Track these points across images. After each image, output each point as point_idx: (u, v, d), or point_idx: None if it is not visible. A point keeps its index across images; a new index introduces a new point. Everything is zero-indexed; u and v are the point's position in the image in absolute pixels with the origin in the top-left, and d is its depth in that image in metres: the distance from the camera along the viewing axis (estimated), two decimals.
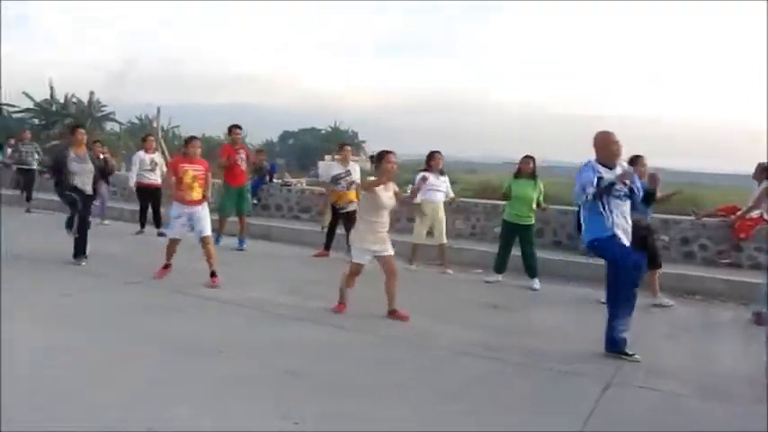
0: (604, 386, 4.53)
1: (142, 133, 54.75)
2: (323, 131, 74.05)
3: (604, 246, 5.27)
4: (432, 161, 8.77)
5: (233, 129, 10.05)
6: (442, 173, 8.93)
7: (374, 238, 6.06)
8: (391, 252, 6.19)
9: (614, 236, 5.18)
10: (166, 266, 7.47)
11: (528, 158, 8.30)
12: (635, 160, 6.74)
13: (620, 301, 5.18)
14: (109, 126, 49.31)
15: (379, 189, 6.03)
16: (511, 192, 8.21)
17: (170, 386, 4.13)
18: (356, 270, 6.13)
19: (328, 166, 9.55)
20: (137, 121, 57.54)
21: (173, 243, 7.47)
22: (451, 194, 9.24)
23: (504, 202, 8.57)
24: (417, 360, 4.96)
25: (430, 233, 8.94)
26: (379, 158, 6.14)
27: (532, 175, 8.26)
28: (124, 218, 12.86)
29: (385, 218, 6.15)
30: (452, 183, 9.79)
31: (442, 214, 8.93)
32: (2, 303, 5.68)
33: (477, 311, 6.75)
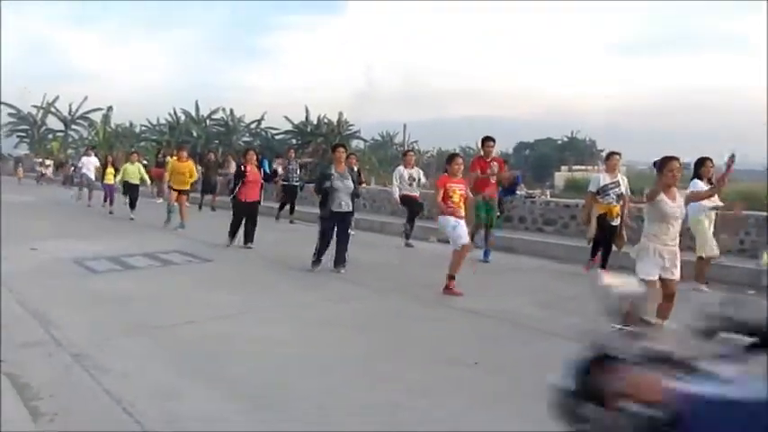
0: None
1: (384, 149, 58.04)
2: (559, 141, 72.31)
3: None
4: (701, 168, 7.98)
5: (485, 141, 10.13)
6: (710, 181, 8.07)
7: (664, 252, 5.55)
8: (677, 277, 5.63)
9: None
10: (452, 278, 7.39)
11: None
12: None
13: None
14: (354, 143, 53.06)
15: (663, 198, 5.58)
16: None
17: (431, 394, 4.21)
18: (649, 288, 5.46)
19: (596, 177, 9.11)
20: (379, 138, 61.24)
21: (465, 249, 7.44)
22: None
23: None
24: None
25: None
26: (661, 165, 5.69)
27: None
28: (374, 229, 13.63)
29: (672, 231, 5.66)
30: None
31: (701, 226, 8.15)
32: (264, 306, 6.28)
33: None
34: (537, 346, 5.45)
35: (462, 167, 7.71)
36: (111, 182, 17.44)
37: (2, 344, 4.90)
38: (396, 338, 5.58)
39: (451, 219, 7.41)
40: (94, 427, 3.58)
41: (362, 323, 6.11)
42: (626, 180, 8.96)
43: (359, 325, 6.04)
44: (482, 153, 10.30)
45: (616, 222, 8.72)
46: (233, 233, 10.73)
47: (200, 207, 18.10)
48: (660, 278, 5.53)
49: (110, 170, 17.88)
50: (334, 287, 7.69)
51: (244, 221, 10.74)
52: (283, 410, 3.86)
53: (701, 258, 8.12)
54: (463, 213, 7.49)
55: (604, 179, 8.84)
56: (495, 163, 10.01)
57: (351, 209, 8.79)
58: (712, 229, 8.13)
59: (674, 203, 5.56)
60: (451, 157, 7.91)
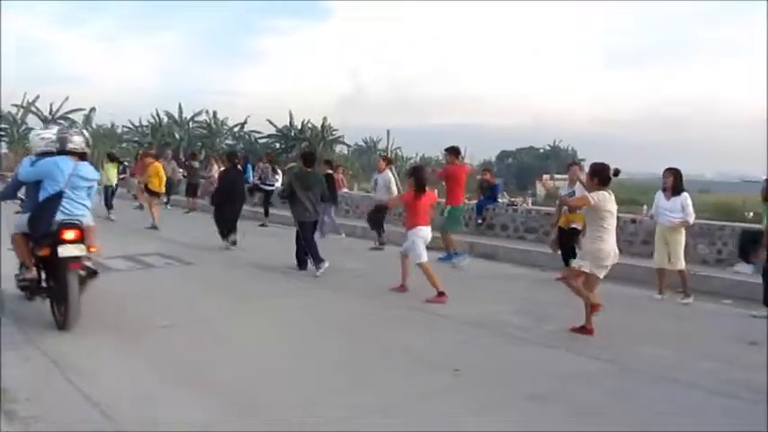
0: None
1: (368, 155, 57.99)
2: (541, 150, 72.71)
3: None
4: (665, 179, 8.12)
5: (447, 151, 10.47)
6: (676, 192, 8.04)
7: None
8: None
9: None
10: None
11: None
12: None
13: None
14: (338, 148, 52.99)
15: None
16: None
17: (413, 400, 4.23)
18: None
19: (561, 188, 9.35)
20: (363, 144, 61.24)
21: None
22: (688, 217, 8.01)
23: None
24: (667, 396, 4.56)
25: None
26: None
27: None
28: (356, 234, 13.63)
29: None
30: None
31: (673, 237, 8.05)
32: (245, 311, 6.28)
33: (730, 346, 6.05)
34: (518, 354, 5.48)
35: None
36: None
37: None
38: (378, 345, 5.58)
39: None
40: (73, 431, 3.55)
41: (344, 329, 6.11)
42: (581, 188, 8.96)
43: (340, 331, 6.04)
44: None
45: (577, 227, 8.68)
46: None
47: (187, 210, 17.94)
48: None
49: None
50: (317, 293, 7.68)
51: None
52: (266, 416, 3.85)
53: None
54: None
55: (563, 189, 9.05)
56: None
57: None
58: (658, 244, 8.20)
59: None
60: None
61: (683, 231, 8.09)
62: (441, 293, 7.28)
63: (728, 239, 9.97)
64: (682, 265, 8.04)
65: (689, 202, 8.03)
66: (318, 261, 8.72)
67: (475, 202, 13.55)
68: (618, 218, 10.29)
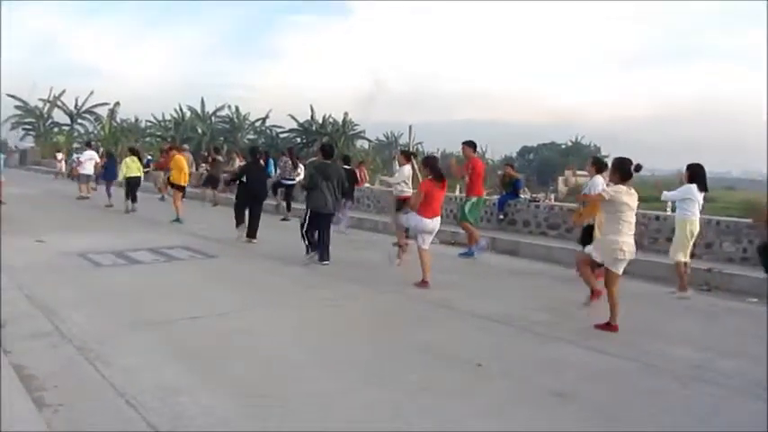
0: None
1: (388, 150, 58.07)
2: (563, 146, 72.24)
3: None
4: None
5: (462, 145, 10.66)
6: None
7: None
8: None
9: None
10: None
11: None
12: None
13: None
14: (359, 143, 53.04)
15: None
16: None
17: (433, 396, 4.22)
18: None
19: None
20: (384, 139, 61.30)
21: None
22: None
23: None
24: (694, 397, 4.50)
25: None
26: None
27: None
28: (378, 229, 13.63)
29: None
30: (709, 201, 8.88)
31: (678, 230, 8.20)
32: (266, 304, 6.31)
33: (755, 345, 5.96)
34: (541, 350, 5.45)
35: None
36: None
37: (8, 335, 4.95)
38: (399, 340, 5.57)
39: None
40: (98, 419, 3.60)
41: (364, 323, 6.13)
42: (591, 182, 8.88)
43: (361, 325, 6.05)
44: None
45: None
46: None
47: (214, 204, 18.10)
48: None
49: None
50: (336, 286, 7.69)
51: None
52: (284, 409, 3.87)
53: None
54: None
55: (586, 186, 9.12)
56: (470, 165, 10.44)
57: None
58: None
59: None
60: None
61: (681, 224, 8.10)
62: (425, 281, 7.68)
63: (754, 238, 9.81)
64: (676, 257, 8.06)
65: (679, 191, 8.12)
66: (324, 256, 8.92)
67: (497, 197, 13.48)
68: (642, 214, 10.31)
